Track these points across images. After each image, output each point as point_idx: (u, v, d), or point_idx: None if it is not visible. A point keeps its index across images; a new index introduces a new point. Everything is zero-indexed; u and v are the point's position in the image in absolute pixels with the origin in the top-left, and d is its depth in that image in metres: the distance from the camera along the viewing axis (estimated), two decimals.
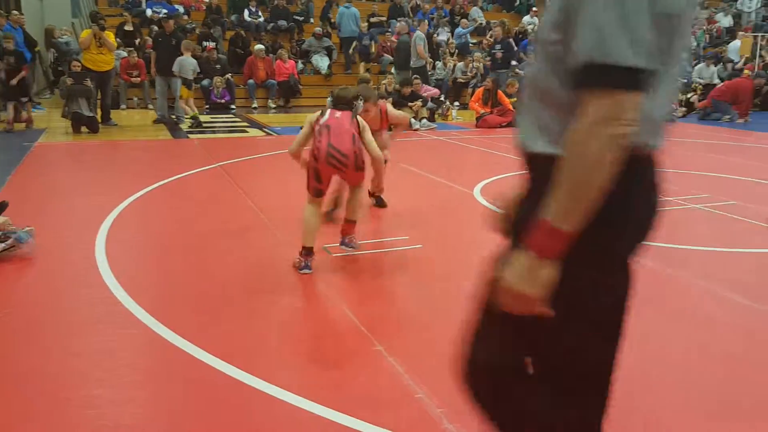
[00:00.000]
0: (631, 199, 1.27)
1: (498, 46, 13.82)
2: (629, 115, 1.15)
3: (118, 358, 2.90)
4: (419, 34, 13.65)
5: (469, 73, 15.04)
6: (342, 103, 4.29)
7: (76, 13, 16.76)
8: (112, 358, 2.90)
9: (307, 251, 4.04)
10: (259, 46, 14.35)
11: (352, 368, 2.84)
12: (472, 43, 16.53)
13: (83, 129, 10.03)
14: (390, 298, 3.73)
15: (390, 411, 2.48)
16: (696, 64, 15.97)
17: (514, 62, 14.39)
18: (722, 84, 13.70)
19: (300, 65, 15.13)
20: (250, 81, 14.11)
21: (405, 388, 2.65)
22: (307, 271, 3.99)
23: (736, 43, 16.47)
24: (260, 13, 16.15)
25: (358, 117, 4.28)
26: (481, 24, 17.59)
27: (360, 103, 4.43)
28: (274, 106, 14.27)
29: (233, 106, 13.65)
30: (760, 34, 16.78)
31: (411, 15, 17.36)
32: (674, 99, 1.37)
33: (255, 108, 14.02)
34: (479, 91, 12.23)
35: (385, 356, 2.92)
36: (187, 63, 11.19)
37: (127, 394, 2.62)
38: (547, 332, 1.34)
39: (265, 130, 11.14)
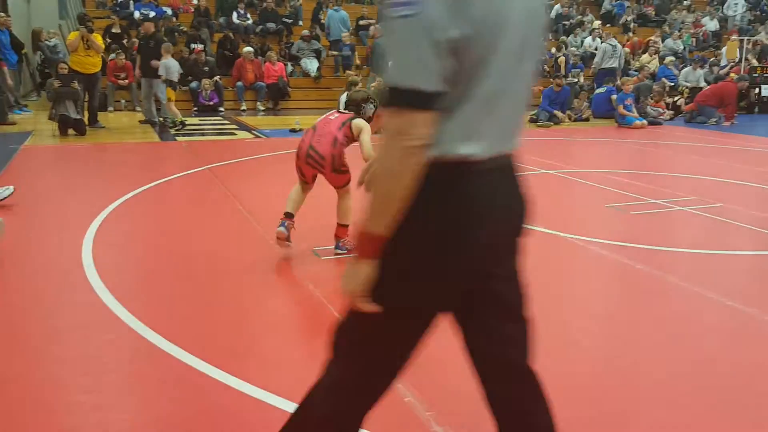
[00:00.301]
0: (440, 204, 1.41)
1: None
2: (418, 130, 1.30)
3: (104, 363, 2.87)
4: None
5: None
6: (351, 105, 4.43)
7: (63, 15, 16.67)
8: (98, 362, 2.87)
9: (287, 215, 4.34)
10: (248, 49, 14.32)
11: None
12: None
13: (70, 131, 9.96)
14: None
15: (379, 415, 2.47)
16: (683, 68, 16.10)
17: None
18: (707, 88, 13.80)
19: (289, 68, 15.11)
20: (239, 83, 14.08)
21: (393, 391, 2.64)
22: (281, 229, 4.23)
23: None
24: (249, 16, 16.12)
25: (355, 121, 4.35)
26: None
27: (369, 106, 4.46)
28: (262, 108, 14.23)
29: (221, 109, 13.61)
30: (745, 38, 16.93)
31: None
32: (517, 114, 1.50)
33: (243, 110, 13.98)
34: None
35: None
36: (171, 65, 11.17)
37: (113, 399, 2.59)
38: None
39: (254, 132, 11.10)
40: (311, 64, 15.37)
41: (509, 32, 1.36)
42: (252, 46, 14.61)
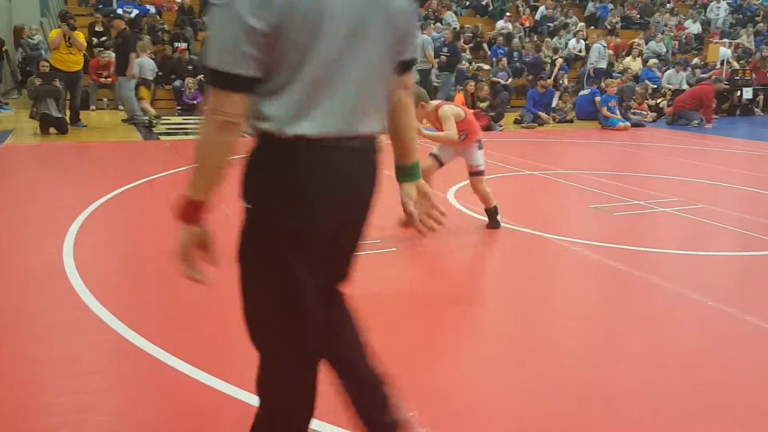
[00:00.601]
0: (289, 173, 1.57)
1: (445, 49, 14.02)
2: (230, 109, 1.48)
3: (84, 365, 2.83)
4: (427, 38, 13.79)
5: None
6: None
7: (45, 12, 16.47)
8: (78, 364, 2.83)
9: None
10: None
11: (322, 371, 2.81)
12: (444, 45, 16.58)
13: (52, 130, 9.85)
14: (362, 300, 3.70)
15: None
16: (666, 70, 16.24)
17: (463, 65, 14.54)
18: (685, 92, 13.89)
19: None
20: None
21: None
22: None
23: (722, 51, 16.72)
24: None
25: None
26: (455, 28, 17.66)
27: None
28: None
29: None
30: (727, 41, 17.12)
31: None
32: (361, 98, 1.61)
33: None
34: (462, 95, 12.25)
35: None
36: (146, 64, 11.08)
37: (92, 401, 2.56)
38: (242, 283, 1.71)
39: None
40: None
41: (328, 23, 1.49)
42: None
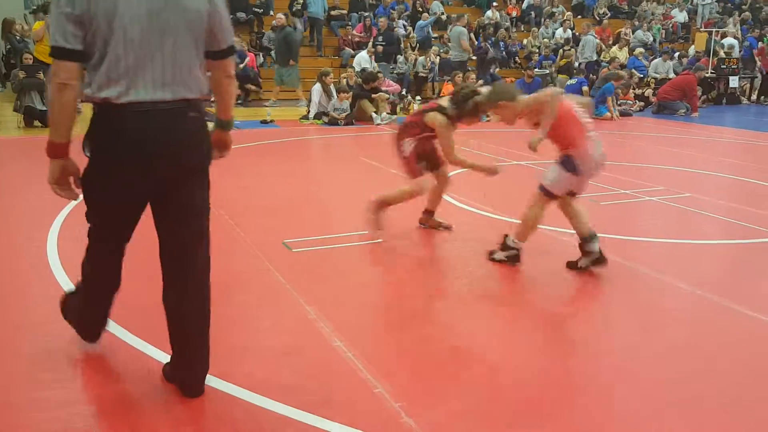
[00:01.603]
0: (101, 129, 2.23)
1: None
2: (62, 74, 2.09)
3: (71, 358, 2.81)
4: (461, 29, 13.82)
5: (427, 68, 15.09)
6: (454, 98, 4.45)
7: (28, 4, 16.26)
8: (65, 358, 2.81)
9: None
10: None
11: (311, 364, 2.81)
12: (433, 37, 16.55)
13: (36, 123, 9.74)
14: (349, 292, 3.71)
15: (348, 406, 2.47)
16: (653, 59, 16.28)
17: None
18: (667, 83, 13.89)
19: (260, 58, 14.95)
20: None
21: (364, 383, 2.64)
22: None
23: (728, 40, 16.76)
24: None
25: (430, 113, 4.46)
26: (442, 17, 17.62)
27: (470, 102, 4.35)
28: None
29: None
30: (713, 30, 17.18)
31: (372, 8, 17.29)
32: (164, 73, 2.19)
33: (213, 101, 13.77)
34: (451, 86, 12.21)
35: (345, 351, 2.90)
36: None
37: (78, 395, 2.54)
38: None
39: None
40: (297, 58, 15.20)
41: (125, 18, 2.09)
42: None
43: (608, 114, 12.20)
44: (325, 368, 2.77)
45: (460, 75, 12.46)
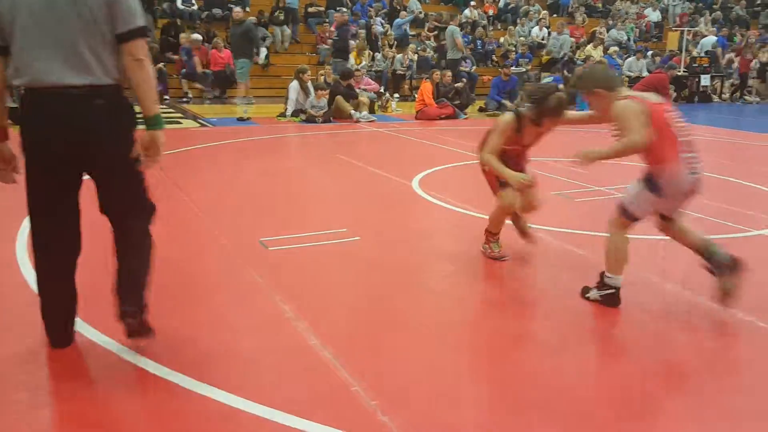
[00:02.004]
0: (22, 110, 2.54)
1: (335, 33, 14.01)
2: None
3: (41, 361, 2.76)
4: (455, 28, 13.78)
5: (405, 66, 15.09)
6: (532, 101, 3.90)
7: None
8: (35, 361, 2.76)
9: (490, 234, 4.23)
10: (196, 36, 13.98)
11: (287, 364, 2.79)
12: (411, 35, 16.57)
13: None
14: (326, 291, 3.69)
15: (325, 405, 2.46)
16: (627, 58, 16.47)
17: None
18: (640, 81, 14.00)
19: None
20: (184, 70, 13.75)
21: (340, 381, 2.63)
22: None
23: (710, 39, 16.99)
24: (194, 1, 15.74)
25: (501, 117, 4.05)
26: (419, 15, 17.65)
27: (528, 105, 3.87)
28: (210, 96, 13.95)
29: (166, 97, 13.28)
30: (685, 29, 17.43)
31: (349, 5, 17.25)
32: (60, 60, 2.43)
33: (189, 99, 13.67)
34: (430, 84, 12.16)
35: (321, 350, 2.89)
36: None
37: (50, 398, 2.50)
38: None
39: (200, 121, 10.89)
40: (260, 52, 15.12)
41: (23, 13, 2.39)
42: (198, 33, 14.27)
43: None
44: (301, 367, 2.75)
45: (438, 73, 12.48)
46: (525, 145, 4.13)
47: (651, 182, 3.27)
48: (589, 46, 16.84)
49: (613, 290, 3.41)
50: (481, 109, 12.73)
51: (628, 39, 18.42)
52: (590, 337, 3.20)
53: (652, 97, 3.33)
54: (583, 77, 3.60)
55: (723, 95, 16.38)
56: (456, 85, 12.58)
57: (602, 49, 16.87)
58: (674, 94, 14.69)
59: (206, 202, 5.37)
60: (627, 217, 3.36)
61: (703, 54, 16.36)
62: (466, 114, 12.16)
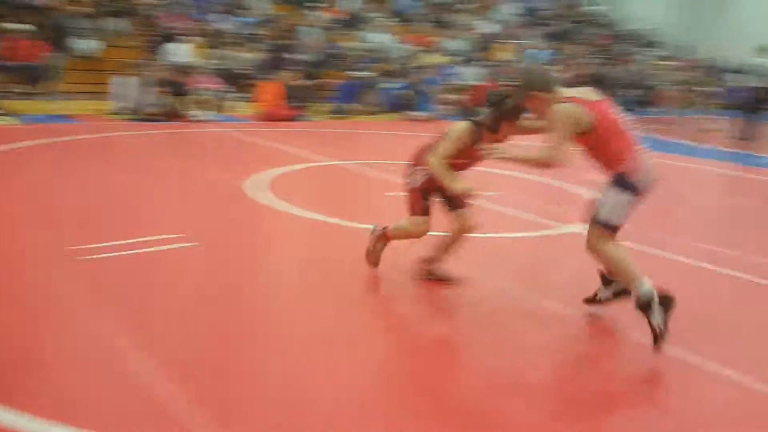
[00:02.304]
0: None
1: None
2: None
3: None
4: (308, 29, 13.37)
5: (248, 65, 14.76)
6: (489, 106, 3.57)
7: None
8: None
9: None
10: (9, 25, 12.68)
11: (101, 381, 2.56)
12: (253, 34, 16.23)
13: None
14: (149, 298, 3.46)
15: (139, 422, 2.28)
16: (463, 67, 17.26)
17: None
18: (472, 89, 14.81)
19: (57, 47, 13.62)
20: None
21: (157, 399, 2.45)
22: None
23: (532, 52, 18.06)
24: None
25: (460, 124, 3.64)
26: (266, 13, 17.34)
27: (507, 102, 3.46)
28: (19, 91, 12.65)
29: None
30: (516, 41, 18.62)
31: None
32: None
33: None
34: (276, 85, 11.88)
35: (138, 365, 2.68)
36: None
37: None
38: None
39: (9, 118, 9.92)
40: (86, 43, 14.00)
41: None
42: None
43: (425, 115, 12.74)
44: (115, 384, 2.54)
45: (285, 74, 12.29)
46: (474, 159, 3.69)
47: (624, 183, 3.09)
48: (428, 54, 17.48)
49: (651, 298, 3.02)
50: (324, 112, 12.74)
51: (466, 49, 19.34)
52: (362, 333, 3.25)
53: (592, 95, 3.16)
54: (519, 80, 3.33)
55: None
56: (302, 86, 12.48)
57: (441, 57, 17.58)
58: None
59: (11, 211, 4.86)
60: (609, 229, 3.14)
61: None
62: (308, 116, 12.12)
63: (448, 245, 3.84)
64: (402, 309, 3.66)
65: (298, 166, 7.28)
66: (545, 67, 3.46)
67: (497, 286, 3.94)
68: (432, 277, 3.86)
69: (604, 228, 3.13)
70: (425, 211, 3.76)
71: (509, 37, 20.35)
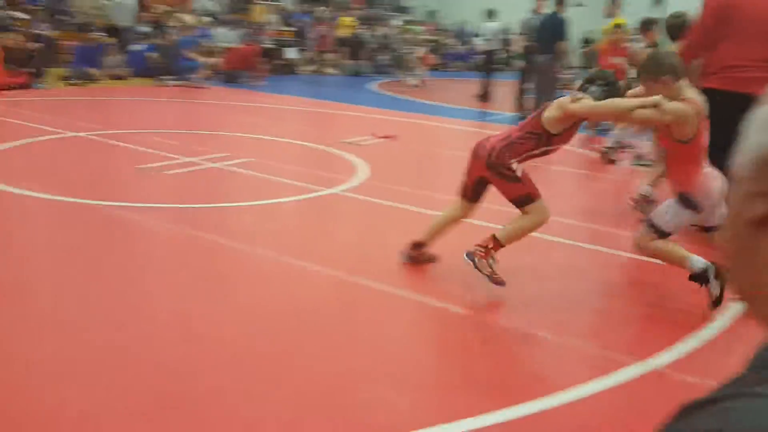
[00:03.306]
0: None
1: None
2: None
3: None
4: None
5: None
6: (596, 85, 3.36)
7: None
8: None
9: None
10: None
11: None
12: None
13: None
14: None
15: None
16: (219, 28, 16.61)
17: None
18: (232, 52, 14.32)
19: None
20: None
21: None
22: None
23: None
24: None
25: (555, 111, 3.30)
26: None
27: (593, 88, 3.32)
28: None
29: None
30: (270, 2, 18.37)
31: None
32: None
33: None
34: None
35: None
36: None
37: None
38: None
39: None
40: None
41: None
42: None
43: (180, 80, 12.06)
44: None
45: (11, 37, 10.73)
46: (566, 140, 3.46)
47: (689, 202, 3.23)
48: (183, 15, 16.52)
49: (705, 269, 3.20)
50: (63, 78, 11.43)
51: (221, 10, 18.61)
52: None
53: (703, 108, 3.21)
54: (650, 62, 3.30)
55: (307, 67, 17.77)
56: (30, 49, 11.03)
57: (195, 18, 16.72)
58: (261, 67, 15.41)
59: None
60: (660, 234, 3.30)
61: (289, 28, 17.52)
62: (43, 83, 10.79)
63: (443, 228, 3.66)
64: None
65: (33, 140, 6.44)
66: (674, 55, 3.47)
67: (267, 255, 3.87)
68: (421, 259, 3.70)
69: (655, 232, 3.31)
70: (532, 198, 3.37)
71: None
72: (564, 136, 3.36)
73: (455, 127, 9.96)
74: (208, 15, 17.35)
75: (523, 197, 3.32)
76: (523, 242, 3.45)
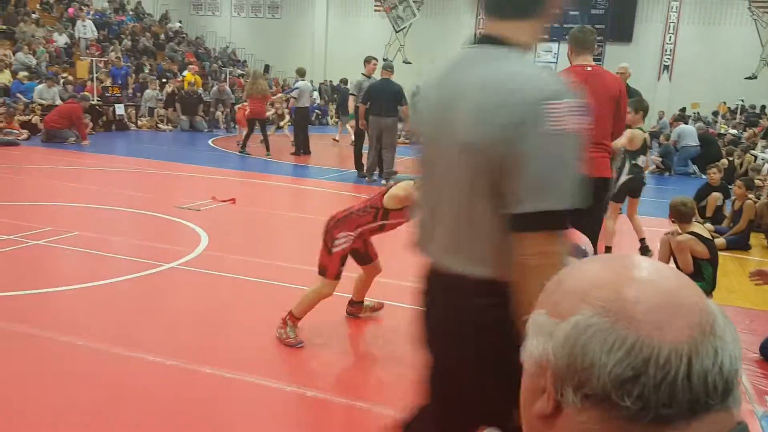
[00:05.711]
0: None
1: None
2: None
3: None
4: None
5: None
6: None
7: None
8: None
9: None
10: None
11: None
12: None
13: None
14: None
15: None
16: (38, 84, 15.52)
17: None
18: (53, 111, 13.37)
19: None
20: None
21: None
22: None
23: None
24: None
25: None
26: None
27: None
28: None
29: None
30: (94, 58, 17.55)
31: None
32: None
33: None
34: None
35: None
36: None
37: None
38: None
39: None
40: None
41: None
42: None
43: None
44: None
45: None
46: None
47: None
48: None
49: None
50: None
51: (38, 64, 17.43)
52: None
53: None
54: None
55: (139, 123, 17.06)
56: None
57: (10, 73, 15.53)
58: (91, 124, 14.60)
59: None
60: None
61: (115, 84, 16.80)
62: None
63: (364, 289, 4.11)
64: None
65: None
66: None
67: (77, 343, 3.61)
68: (365, 312, 4.20)
69: None
70: (339, 275, 3.72)
71: (88, 52, 19.11)
72: (403, 212, 3.56)
73: (293, 186, 10.03)
74: (26, 70, 16.21)
75: (322, 268, 3.68)
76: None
